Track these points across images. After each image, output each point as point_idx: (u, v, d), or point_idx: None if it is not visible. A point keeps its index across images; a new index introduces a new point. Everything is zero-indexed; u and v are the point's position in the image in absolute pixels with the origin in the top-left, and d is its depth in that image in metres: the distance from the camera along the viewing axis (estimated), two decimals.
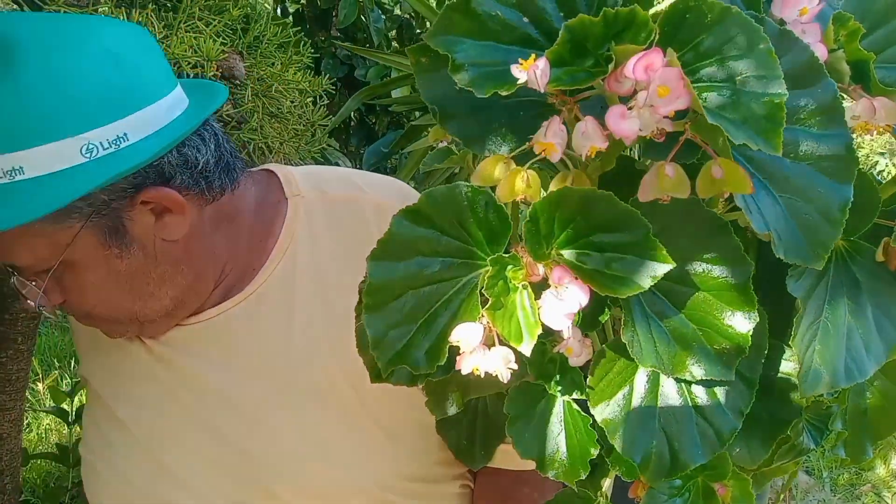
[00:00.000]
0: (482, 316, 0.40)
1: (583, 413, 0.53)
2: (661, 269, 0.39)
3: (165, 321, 0.77)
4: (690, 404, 0.48)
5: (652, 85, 0.36)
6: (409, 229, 0.41)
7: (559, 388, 0.53)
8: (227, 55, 0.94)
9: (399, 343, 0.42)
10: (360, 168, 1.37)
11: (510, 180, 0.42)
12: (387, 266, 0.42)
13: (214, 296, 0.78)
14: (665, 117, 0.37)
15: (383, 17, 1.36)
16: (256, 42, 0.99)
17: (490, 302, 0.40)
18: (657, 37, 0.38)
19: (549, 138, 0.38)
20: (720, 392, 0.48)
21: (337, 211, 0.79)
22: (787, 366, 0.52)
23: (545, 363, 0.51)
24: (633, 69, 0.36)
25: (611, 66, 0.38)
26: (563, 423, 0.56)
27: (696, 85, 0.38)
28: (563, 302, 0.38)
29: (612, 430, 0.49)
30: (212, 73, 0.90)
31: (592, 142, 0.38)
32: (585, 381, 0.50)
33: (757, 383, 0.47)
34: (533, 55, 0.37)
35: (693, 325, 0.44)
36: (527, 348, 0.39)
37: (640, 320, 0.44)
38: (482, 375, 0.40)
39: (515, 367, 0.40)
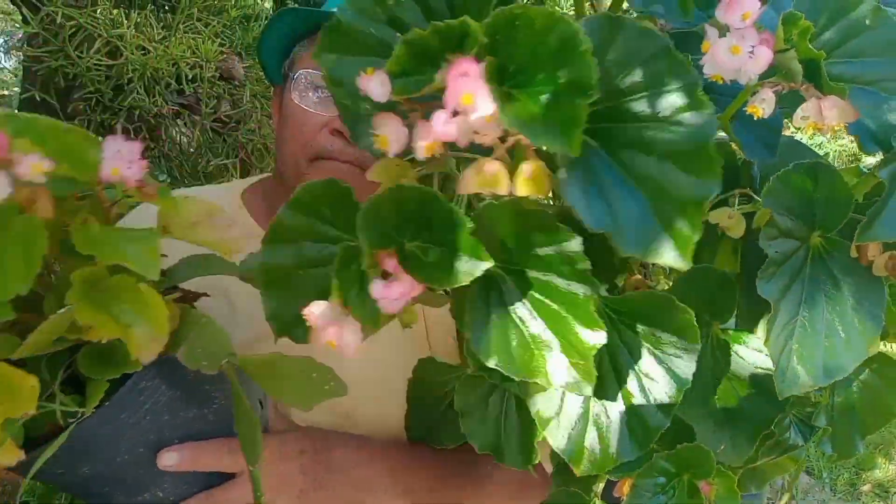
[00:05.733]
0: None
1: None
2: (481, 266, 0.41)
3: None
4: (623, 400, 0.48)
5: (457, 94, 0.38)
6: (292, 217, 0.47)
7: (498, 378, 0.55)
8: (225, 56, 1.02)
9: (287, 317, 0.49)
10: None
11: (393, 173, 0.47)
12: (276, 249, 0.48)
13: None
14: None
15: None
16: (255, 42, 1.06)
17: (341, 284, 0.44)
18: (485, 46, 0.40)
19: (381, 132, 0.42)
20: (652, 388, 0.48)
21: None
22: (771, 362, 0.50)
23: None
24: (448, 78, 0.39)
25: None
26: (515, 413, 0.57)
27: (524, 91, 0.40)
28: (391, 289, 0.42)
29: (544, 423, 0.50)
30: (210, 74, 0.98)
31: (425, 141, 0.41)
32: None
33: (689, 382, 0.47)
34: (371, 68, 0.41)
35: (552, 334, 0.44)
36: (372, 331, 0.43)
37: (497, 319, 0.45)
38: (336, 349, 0.45)
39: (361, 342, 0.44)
